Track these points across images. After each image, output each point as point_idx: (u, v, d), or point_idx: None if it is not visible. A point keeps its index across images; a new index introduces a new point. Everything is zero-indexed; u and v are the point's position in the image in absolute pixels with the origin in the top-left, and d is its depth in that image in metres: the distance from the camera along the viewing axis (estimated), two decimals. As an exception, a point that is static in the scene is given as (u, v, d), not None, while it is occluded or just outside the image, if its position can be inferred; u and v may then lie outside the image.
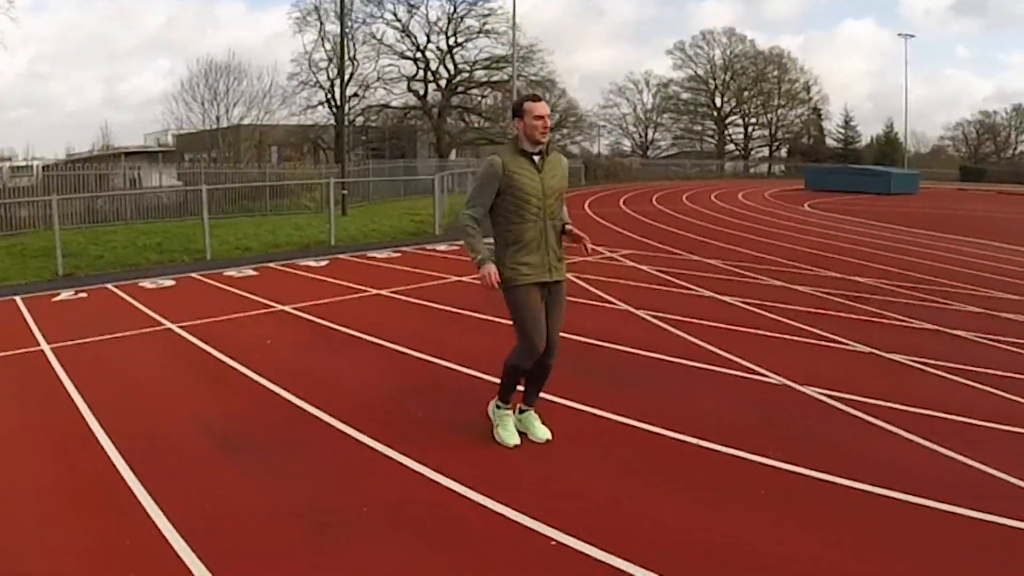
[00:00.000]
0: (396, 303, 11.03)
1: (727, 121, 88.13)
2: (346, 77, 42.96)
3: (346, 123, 45.81)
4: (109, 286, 12.44)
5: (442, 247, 17.46)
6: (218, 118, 48.16)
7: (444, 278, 13.06)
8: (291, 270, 14.05)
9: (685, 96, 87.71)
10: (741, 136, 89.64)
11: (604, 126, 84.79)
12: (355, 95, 54.20)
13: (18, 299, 11.67)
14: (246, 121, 47.97)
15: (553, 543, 4.22)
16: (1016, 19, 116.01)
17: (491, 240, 5.68)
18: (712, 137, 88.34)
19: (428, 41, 60.26)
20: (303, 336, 9.07)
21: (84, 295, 11.91)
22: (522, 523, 4.45)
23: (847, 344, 8.81)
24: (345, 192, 25.95)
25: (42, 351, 8.48)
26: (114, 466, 5.28)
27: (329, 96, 51.49)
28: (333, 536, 4.32)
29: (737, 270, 14.31)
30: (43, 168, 32.13)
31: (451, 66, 61.28)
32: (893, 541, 4.28)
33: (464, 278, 13.02)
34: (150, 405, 6.63)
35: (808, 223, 25.92)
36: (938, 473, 5.21)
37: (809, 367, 7.78)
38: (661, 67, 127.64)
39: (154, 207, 26.46)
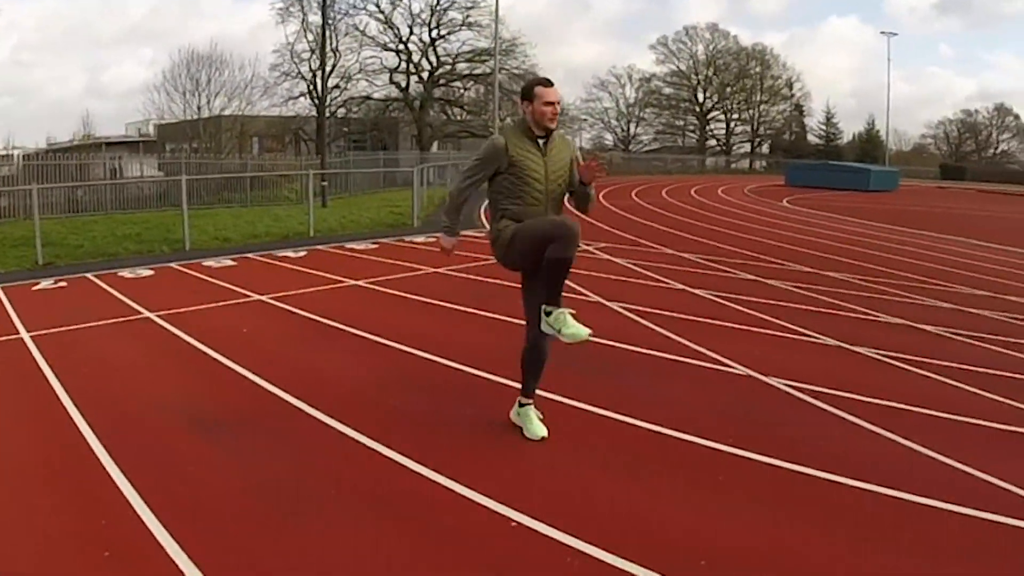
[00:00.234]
0: (372, 294, 11.17)
1: (709, 116, 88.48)
2: (328, 68, 43.01)
3: (327, 115, 45.75)
4: (89, 276, 12.52)
5: (420, 239, 17.58)
6: (199, 108, 48.17)
7: (420, 269, 13.20)
8: (269, 261, 14.15)
9: (667, 91, 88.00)
10: (723, 132, 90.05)
11: (586, 120, 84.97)
12: (337, 87, 54.25)
13: (-2, 288, 11.74)
14: (227, 112, 47.95)
15: (513, 524, 4.37)
16: (1000, 18, 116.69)
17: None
18: (694, 132, 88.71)
19: (411, 33, 60.32)
20: (279, 325, 9.19)
21: (64, 284, 11.99)
22: (485, 505, 4.61)
23: (815, 337, 9.00)
24: (325, 184, 26.02)
25: (21, 339, 8.58)
26: (90, 448, 5.41)
27: (311, 87, 51.51)
28: (301, 514, 4.48)
29: (711, 264, 14.50)
30: (24, 157, 32.04)
31: (433, 58, 61.37)
32: (852, 528, 4.45)
33: (441, 269, 13.18)
34: (126, 390, 6.75)
35: (785, 219, 26.15)
36: (896, 463, 5.39)
37: (775, 359, 7.96)
38: (644, 62, 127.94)
39: (134, 197, 26.47)
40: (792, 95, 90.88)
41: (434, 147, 59.91)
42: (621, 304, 10.25)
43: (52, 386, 6.84)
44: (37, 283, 12.05)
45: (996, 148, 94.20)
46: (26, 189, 20.13)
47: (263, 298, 10.51)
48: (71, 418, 6.01)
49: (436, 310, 10.13)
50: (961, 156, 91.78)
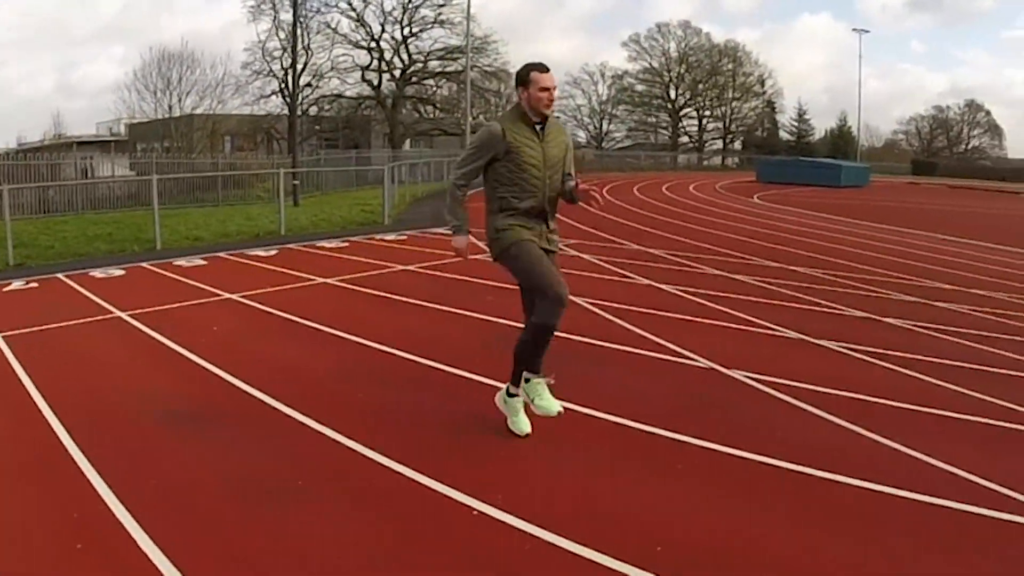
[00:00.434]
0: (340, 291, 11.28)
1: (681, 113, 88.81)
2: (300, 67, 42.90)
3: (299, 113, 45.69)
4: (60, 276, 12.54)
5: (390, 237, 17.66)
6: (171, 107, 48.04)
7: (389, 267, 13.31)
8: (240, 259, 14.21)
9: (640, 88, 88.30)
10: (695, 128, 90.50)
11: (559, 117, 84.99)
12: (308, 85, 54.07)
13: (-32, 288, 11.77)
14: (199, 111, 47.83)
15: (475, 513, 4.51)
16: (971, 15, 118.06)
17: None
18: (666, 129, 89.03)
19: (383, 31, 60.25)
20: (249, 323, 9.29)
21: (35, 285, 12.01)
22: (446, 494, 4.75)
23: (778, 330, 9.20)
24: (296, 182, 26.02)
25: (-8, 338, 8.66)
26: (62, 443, 5.51)
27: (283, 86, 51.26)
28: (268, 503, 4.61)
29: (678, 259, 14.70)
30: (-6, 157, 31.95)
31: (405, 56, 61.34)
32: (808, 515, 4.62)
33: (410, 267, 13.32)
34: (98, 388, 6.84)
35: (754, 214, 26.42)
36: (854, 452, 5.57)
37: (737, 351, 8.15)
38: (617, 59, 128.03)
39: (106, 197, 26.39)
40: (764, 92, 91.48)
41: (406, 145, 59.90)
42: (587, 300, 10.40)
43: (24, 384, 6.90)
44: (8, 284, 12.05)
45: (967, 144, 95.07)
46: (-4, 190, 20.08)
47: (234, 296, 10.59)
48: (43, 415, 6.09)
49: (403, 306, 10.26)
50: (933, 152, 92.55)
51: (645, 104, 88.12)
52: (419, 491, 4.82)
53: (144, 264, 13.58)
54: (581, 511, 4.58)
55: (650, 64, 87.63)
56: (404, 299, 10.58)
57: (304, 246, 16.06)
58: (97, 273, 12.73)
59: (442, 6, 60.47)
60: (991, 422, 6.25)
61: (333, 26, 57.82)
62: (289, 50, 43.77)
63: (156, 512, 4.47)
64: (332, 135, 58.23)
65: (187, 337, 8.36)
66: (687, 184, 44.17)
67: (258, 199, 27.94)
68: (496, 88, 68.35)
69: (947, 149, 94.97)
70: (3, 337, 8.63)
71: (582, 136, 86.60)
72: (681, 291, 11.38)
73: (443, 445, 5.57)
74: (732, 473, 5.14)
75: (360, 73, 60.14)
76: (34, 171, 27.58)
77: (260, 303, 10.19)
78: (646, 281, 12.23)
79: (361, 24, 59.50)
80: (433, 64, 62.43)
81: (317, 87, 56.37)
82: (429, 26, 61.23)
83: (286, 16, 49.17)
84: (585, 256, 14.78)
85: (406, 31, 60.74)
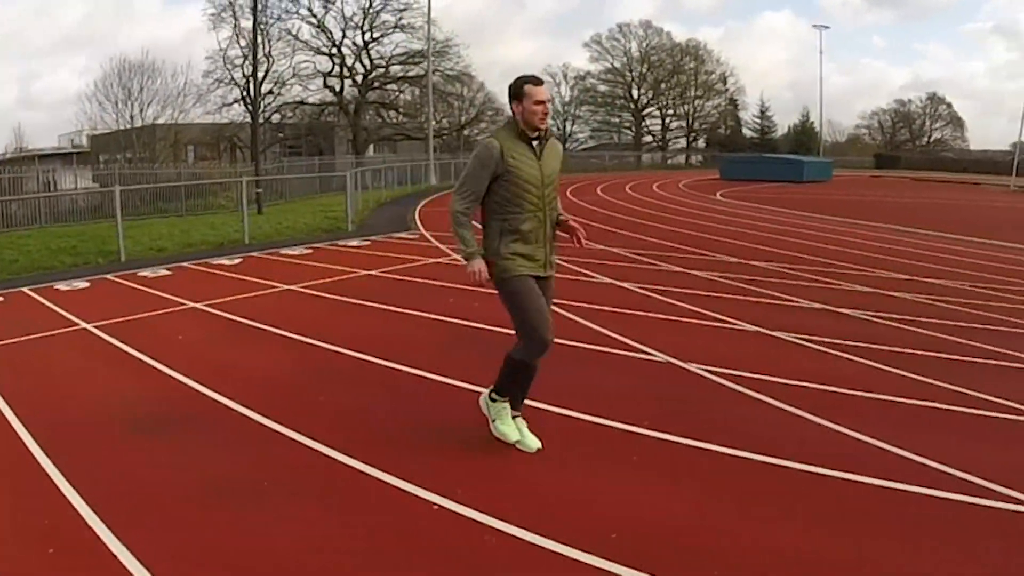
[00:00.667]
0: (305, 297, 11.38)
1: (644, 113, 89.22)
2: (261, 74, 42.90)
3: (261, 120, 45.60)
4: (25, 289, 12.53)
5: (354, 243, 17.75)
6: (132, 118, 47.80)
7: (353, 272, 13.41)
8: (204, 269, 14.24)
9: (602, 88, 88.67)
10: (659, 127, 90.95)
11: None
12: (270, 92, 54.01)
13: (-68, 304, 11.76)
14: (161, 120, 47.64)
15: (435, 507, 4.67)
16: (931, 9, 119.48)
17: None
18: (630, 129, 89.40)
19: (344, 36, 60.29)
20: (213, 331, 9.38)
21: (0, 299, 12.05)
22: (406, 490, 4.91)
23: (735, 324, 9.41)
24: (260, 191, 26.02)
25: (-42, 353, 8.70)
26: (31, 453, 5.61)
27: (245, 94, 51.24)
28: (234, 505, 4.75)
29: (639, 257, 14.91)
30: (-46, 172, 31.74)
31: (367, 62, 61.36)
32: (760, 500, 4.81)
33: (373, 272, 13.44)
34: (65, 397, 6.93)
35: (716, 211, 26.70)
36: (806, 438, 5.78)
37: (694, 346, 8.34)
38: (579, 60, 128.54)
39: (69, 210, 26.25)
40: (726, 89, 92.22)
41: (370, 150, 59.91)
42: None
43: (-10, 396, 6.97)
44: (-28, 298, 12.07)
45: (930, 136, 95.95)
46: (-42, 205, 20.02)
47: (198, 305, 10.66)
48: (11, 426, 6.17)
49: (367, 310, 10.40)
50: (896, 145, 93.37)
51: (608, 104, 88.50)
52: (380, 488, 4.97)
53: (109, 276, 13.59)
54: (538, 503, 4.75)
55: (612, 64, 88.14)
56: (367, 303, 10.72)
57: (268, 254, 16.12)
58: (62, 286, 12.73)
59: (403, 11, 60.59)
60: (943, 407, 6.49)
61: (294, 33, 57.84)
62: (250, 57, 43.73)
63: (125, 516, 4.58)
64: (296, 142, 58.09)
65: (153, 346, 8.44)
66: (651, 183, 44.41)
67: (222, 208, 27.90)
68: (459, 92, 68.51)
69: (910, 142, 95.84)
70: (-31, 351, 8.70)
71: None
72: (640, 288, 11.58)
73: (404, 443, 5.71)
74: (684, 462, 5.32)
75: (322, 79, 60.15)
76: (-4, 185, 27.44)
77: (225, 311, 10.27)
78: (607, 279, 12.41)
79: (322, 30, 59.53)
80: (395, 69, 62.48)
81: (279, 94, 56.38)
82: (390, 31, 61.35)
83: (246, 24, 49.19)
84: (547, 257, 14.87)
85: (367, 36, 60.81)
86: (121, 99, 48.05)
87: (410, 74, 62.47)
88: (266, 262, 15.02)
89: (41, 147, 53.87)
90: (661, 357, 7.90)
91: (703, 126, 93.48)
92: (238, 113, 52.32)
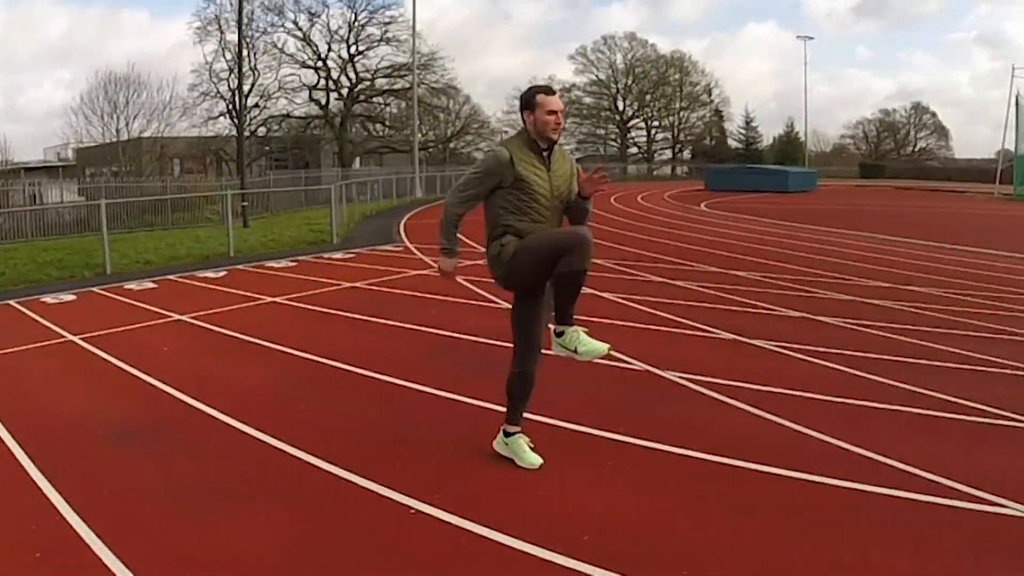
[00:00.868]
0: (288, 309, 11.50)
1: (629, 124, 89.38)
2: (247, 87, 42.99)
3: (247, 134, 45.65)
4: (11, 302, 12.59)
5: (338, 255, 17.86)
6: (118, 131, 47.78)
7: (337, 284, 13.53)
8: (189, 281, 14.34)
9: (588, 100, 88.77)
10: (644, 139, 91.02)
11: (507, 132, 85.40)
12: (256, 105, 54.08)
13: (-81, 317, 11.83)
14: (147, 134, 47.62)
15: (412, 512, 4.79)
16: (916, 19, 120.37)
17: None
18: (615, 140, 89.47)
19: (329, 50, 60.56)
20: (198, 342, 9.50)
21: (-14, 312, 12.11)
22: (385, 495, 5.04)
23: (713, 332, 9.53)
24: (245, 204, 26.11)
25: (-55, 365, 8.79)
26: (18, 461, 5.72)
27: (230, 107, 51.30)
28: (214, 508, 4.88)
29: (621, 268, 15.03)
30: (-59, 186, 31.76)
31: (353, 75, 61.59)
32: (732, 502, 4.93)
33: (357, 284, 13.56)
34: (51, 407, 7.03)
35: (700, 222, 26.86)
36: (782, 443, 5.89)
37: (672, 354, 8.46)
38: (564, 72, 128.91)
39: (55, 223, 26.29)
40: (711, 101, 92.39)
41: (356, 163, 59.99)
42: (528, 310, 10.68)
43: (-23, 407, 7.07)
44: (-40, 312, 12.13)
45: (914, 146, 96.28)
46: (-56, 219, 20.05)
47: (183, 318, 10.77)
48: (-1, 435, 6.29)
49: (350, 322, 10.53)
50: (880, 155, 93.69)
51: (593, 116, 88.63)
52: (360, 493, 5.10)
53: (95, 289, 13.67)
54: (512, 506, 4.87)
55: (597, 76, 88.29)
56: (351, 315, 10.85)
57: (253, 267, 16.21)
58: (48, 299, 12.81)
59: (388, 24, 60.88)
60: (917, 411, 6.61)
61: (280, 46, 58.01)
62: (236, 71, 43.79)
63: (109, 519, 4.70)
64: (282, 155, 58.19)
65: (138, 358, 8.54)
66: (636, 194, 44.48)
67: (208, 221, 27.96)
68: (444, 105, 68.67)
69: (895, 151, 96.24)
70: (-44, 364, 8.79)
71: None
72: (621, 298, 11.71)
73: (382, 450, 5.84)
74: (662, 468, 5.43)
75: (308, 92, 60.36)
76: (-18, 199, 27.44)
77: (209, 323, 10.38)
78: (587, 290, 12.50)
79: (308, 43, 59.74)
80: (380, 82, 62.72)
81: (265, 107, 56.53)
82: (375, 44, 61.63)
83: (232, 37, 49.27)
84: (530, 268, 15.01)
85: (352, 49, 61.07)
86: (107, 112, 48.10)
87: (396, 87, 62.73)
88: (251, 275, 15.12)
89: (27, 160, 53.87)
90: (638, 365, 8.01)
91: (688, 137, 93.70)
92: (224, 126, 52.48)
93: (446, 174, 51.41)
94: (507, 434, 5.60)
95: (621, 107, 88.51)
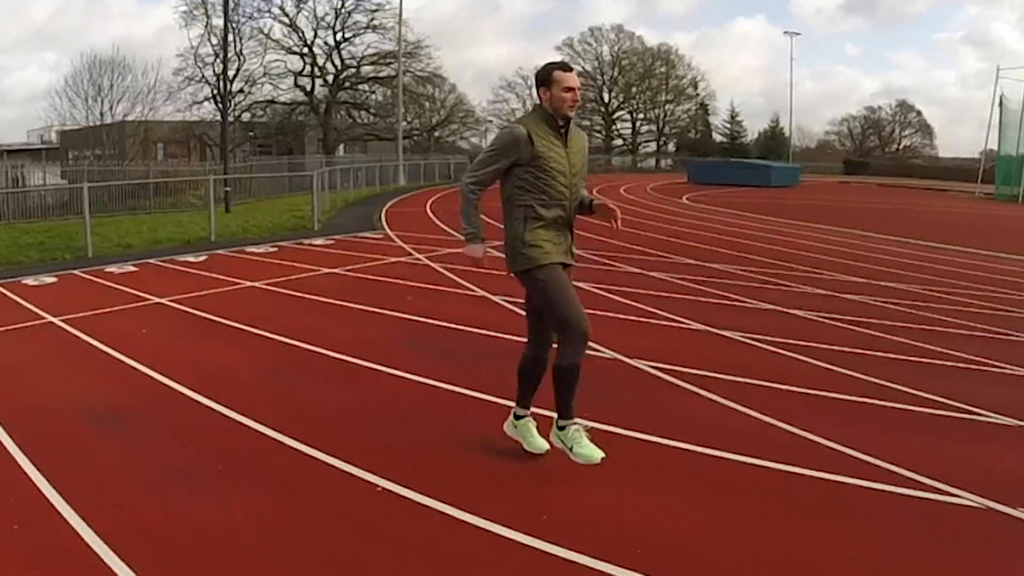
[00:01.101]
0: (267, 294, 11.62)
1: (615, 116, 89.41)
2: (232, 72, 42.88)
3: (232, 119, 45.57)
4: (-8, 284, 12.70)
5: (319, 241, 17.97)
6: (102, 114, 47.53)
7: (316, 270, 13.66)
8: (170, 266, 14.43)
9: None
10: (629, 131, 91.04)
11: (492, 121, 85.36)
12: (241, 91, 53.86)
13: (-100, 297, 11.89)
14: (131, 118, 47.41)
15: (379, 489, 4.96)
16: (903, 18, 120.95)
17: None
18: (600, 132, 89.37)
19: (315, 36, 60.39)
20: (177, 325, 9.60)
21: (-33, 293, 12.16)
22: (355, 474, 5.21)
23: (685, 323, 9.70)
24: (228, 189, 26.14)
25: (-74, 345, 8.88)
26: (-2, 438, 5.85)
27: (215, 92, 51.02)
28: (189, 487, 5.02)
29: (599, 259, 15.14)
30: (-77, 168, 31.65)
31: (338, 61, 61.48)
32: (696, 488, 5.09)
33: (336, 270, 13.71)
34: (31, 387, 7.13)
35: (681, 215, 27.06)
36: (747, 432, 6.06)
37: (642, 344, 8.60)
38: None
39: (37, 206, 26.21)
40: (697, 94, 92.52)
41: (340, 150, 59.99)
42: (504, 298, 10.86)
43: (-42, 387, 7.17)
44: (-60, 292, 12.19)
45: (899, 143, 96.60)
46: (-74, 200, 20.02)
47: (163, 301, 10.87)
48: (-23, 413, 6.38)
49: (327, 307, 10.66)
50: (865, 152, 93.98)
51: (579, 108, 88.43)
52: (332, 472, 5.26)
53: (76, 271, 13.72)
54: (480, 487, 5.04)
55: (583, 68, 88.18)
56: (329, 300, 10.98)
57: (234, 252, 16.28)
58: (29, 281, 12.86)
59: (375, 11, 60.76)
60: (884, 404, 6.79)
61: (266, 31, 57.78)
62: (221, 56, 43.69)
63: (88, 497, 4.82)
64: (265, 141, 58.07)
65: (117, 340, 8.65)
66: (619, 186, 44.60)
67: (191, 206, 27.96)
68: (429, 93, 68.65)
69: (879, 149, 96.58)
70: (-63, 343, 8.88)
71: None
72: (597, 288, 11.86)
73: (357, 433, 6.00)
74: (623, 453, 5.53)
75: (293, 79, 60.17)
76: (-36, 181, 27.36)
77: (188, 307, 10.49)
78: (564, 280, 12.66)
79: (294, 29, 59.58)
80: (366, 69, 62.63)
81: (250, 93, 56.17)
82: (362, 31, 61.49)
83: (218, 22, 48.98)
84: (508, 257, 15.17)
85: (339, 36, 60.95)
86: (91, 95, 47.72)
87: (381, 75, 62.66)
88: (231, 260, 15.21)
89: (9, 143, 53.63)
90: (608, 354, 8.14)
91: (673, 130, 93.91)
92: (208, 111, 52.06)
93: (430, 162, 51.52)
94: (517, 417, 5.57)
95: (607, 99, 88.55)
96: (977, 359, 8.40)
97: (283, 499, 4.88)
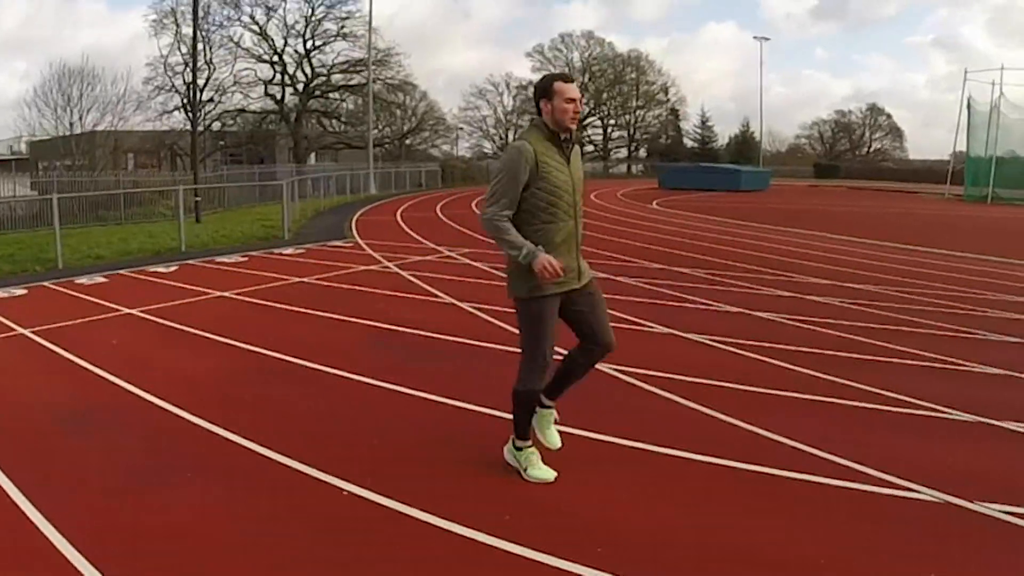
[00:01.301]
0: (237, 303, 11.69)
1: (586, 122, 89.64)
2: (202, 81, 42.83)
3: (202, 128, 45.49)
4: (-39, 296, 12.71)
5: (289, 251, 18.05)
6: (72, 124, 47.28)
7: (286, 279, 13.75)
8: (140, 276, 14.46)
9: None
10: (600, 137, 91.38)
11: (463, 129, 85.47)
12: (211, 100, 53.76)
13: None
14: (101, 128, 47.17)
15: (345, 493, 5.10)
16: (873, 22, 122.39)
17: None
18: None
19: (285, 44, 60.28)
20: (146, 335, 9.67)
21: (-63, 305, 12.17)
22: (315, 476, 5.36)
23: (650, 327, 9.87)
24: (198, 199, 26.15)
25: None
26: (-35, 446, 5.94)
27: (185, 101, 50.90)
28: (159, 490, 5.14)
29: (565, 265, 15.20)
30: None
31: (308, 70, 61.37)
32: (661, 488, 5.24)
33: (306, 279, 13.80)
34: (1, 396, 7.18)
35: (650, 220, 27.30)
36: (707, 431, 6.23)
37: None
38: (522, 70, 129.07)
39: (7, 218, 26.04)
40: (668, 100, 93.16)
41: (311, 159, 59.94)
42: (472, 304, 11.05)
43: (-72, 397, 7.24)
44: (-90, 305, 12.20)
45: (870, 146, 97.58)
46: None
47: (133, 311, 10.93)
48: (-52, 422, 6.47)
49: (297, 316, 10.77)
50: (836, 155, 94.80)
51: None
52: (297, 476, 5.39)
53: (46, 283, 13.71)
54: (443, 487, 5.20)
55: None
56: (298, 309, 11.10)
57: (204, 262, 16.31)
58: (-1, 292, 12.94)
59: (345, 19, 60.77)
60: (842, 402, 6.99)
61: (236, 40, 57.71)
62: (191, 65, 43.57)
63: (57, 502, 4.93)
64: (236, 150, 57.88)
65: (86, 350, 8.72)
66: (589, 192, 44.68)
67: (161, 216, 27.91)
68: (400, 101, 68.70)
69: (850, 152, 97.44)
70: (-93, 355, 8.93)
71: (488, 147, 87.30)
72: (561, 294, 11.97)
73: (319, 436, 6.13)
74: (583, 452, 5.72)
75: (263, 87, 60.09)
76: (-67, 193, 27.23)
77: (158, 317, 10.57)
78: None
79: (264, 38, 59.49)
80: (336, 77, 62.58)
81: (220, 102, 56.09)
82: (332, 39, 61.46)
83: (188, 30, 48.89)
84: (478, 264, 15.45)
85: (309, 44, 60.89)
86: (60, 105, 47.42)
87: (351, 83, 62.64)
88: (201, 270, 15.23)
89: (-22, 154, 53.31)
90: (571, 357, 8.30)
91: (644, 136, 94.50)
92: (179, 120, 51.94)
93: (401, 170, 51.58)
94: (516, 447, 5.43)
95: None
96: (939, 357, 8.63)
97: (249, 501, 5.01)
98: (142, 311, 10.95)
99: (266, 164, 51.22)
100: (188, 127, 45.68)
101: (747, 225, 25.47)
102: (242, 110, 59.29)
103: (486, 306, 10.91)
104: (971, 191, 50.80)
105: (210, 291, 12.54)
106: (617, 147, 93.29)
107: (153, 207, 29.29)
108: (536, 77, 76.91)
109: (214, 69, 53.83)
